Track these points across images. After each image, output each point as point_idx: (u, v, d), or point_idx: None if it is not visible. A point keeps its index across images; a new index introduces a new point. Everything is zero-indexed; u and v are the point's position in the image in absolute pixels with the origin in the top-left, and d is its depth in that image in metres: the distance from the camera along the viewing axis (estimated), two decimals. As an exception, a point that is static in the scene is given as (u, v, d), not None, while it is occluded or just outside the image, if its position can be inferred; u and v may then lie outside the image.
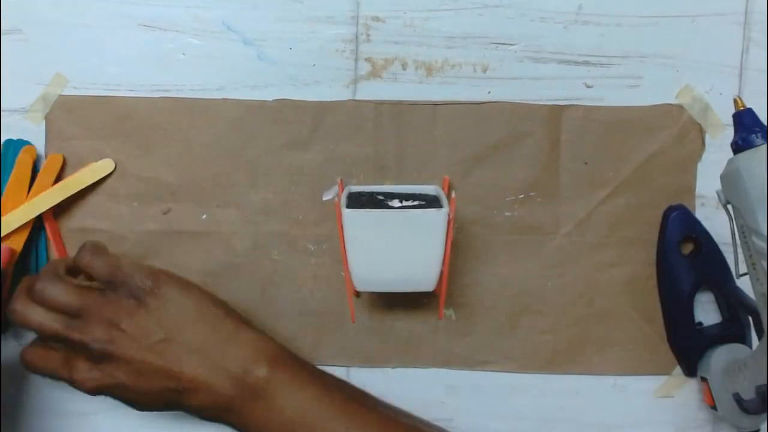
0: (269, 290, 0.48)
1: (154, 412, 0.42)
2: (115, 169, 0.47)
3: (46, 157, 0.47)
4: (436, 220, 0.40)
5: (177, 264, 0.48)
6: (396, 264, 0.41)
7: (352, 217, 0.40)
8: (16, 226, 0.46)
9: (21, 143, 0.47)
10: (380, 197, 0.44)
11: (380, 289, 0.43)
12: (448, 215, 0.40)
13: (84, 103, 0.47)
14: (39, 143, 0.47)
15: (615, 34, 0.48)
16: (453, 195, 0.43)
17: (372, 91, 0.48)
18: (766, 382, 0.40)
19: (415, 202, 0.42)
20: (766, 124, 0.37)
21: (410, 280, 0.42)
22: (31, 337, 0.46)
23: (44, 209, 0.46)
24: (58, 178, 0.47)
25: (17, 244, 0.46)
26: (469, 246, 0.48)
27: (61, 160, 0.47)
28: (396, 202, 0.42)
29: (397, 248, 0.40)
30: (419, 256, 0.41)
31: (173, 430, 0.49)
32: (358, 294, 0.46)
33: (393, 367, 0.49)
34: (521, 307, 0.49)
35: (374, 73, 0.48)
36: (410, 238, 0.40)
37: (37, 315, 0.40)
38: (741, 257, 0.39)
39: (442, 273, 0.42)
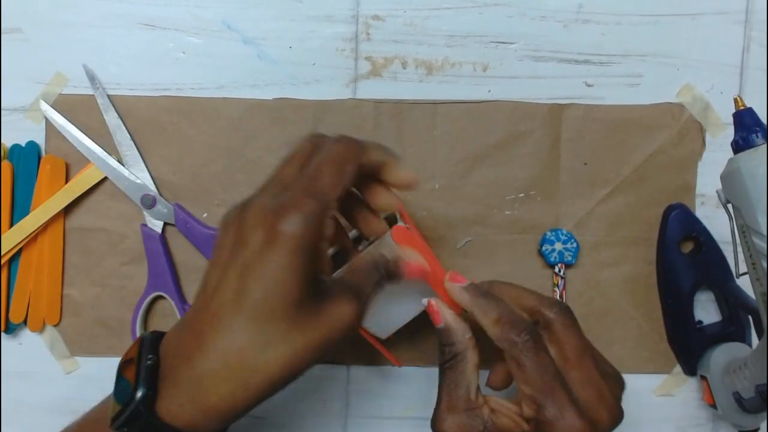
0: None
1: None
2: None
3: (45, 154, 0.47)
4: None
5: (177, 263, 0.48)
6: (394, 298, 0.40)
7: None
8: (32, 230, 0.46)
9: (30, 147, 0.47)
10: (351, 245, 0.42)
11: (397, 325, 0.42)
12: (407, 228, 0.39)
13: (84, 102, 0.47)
14: (39, 142, 0.47)
15: (615, 32, 0.48)
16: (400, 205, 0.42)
17: (372, 90, 0.48)
18: (766, 381, 0.40)
19: None
20: (766, 123, 0.37)
21: (413, 303, 0.41)
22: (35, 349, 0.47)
23: (56, 211, 0.47)
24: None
25: (40, 247, 0.47)
26: (469, 245, 0.48)
27: (63, 162, 0.47)
28: (364, 243, 0.41)
29: None
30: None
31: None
32: (388, 338, 0.45)
33: (393, 366, 0.49)
34: (521, 306, 0.49)
35: (374, 72, 0.48)
36: None
37: None
38: (741, 257, 0.39)
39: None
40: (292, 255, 0.30)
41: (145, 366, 0.31)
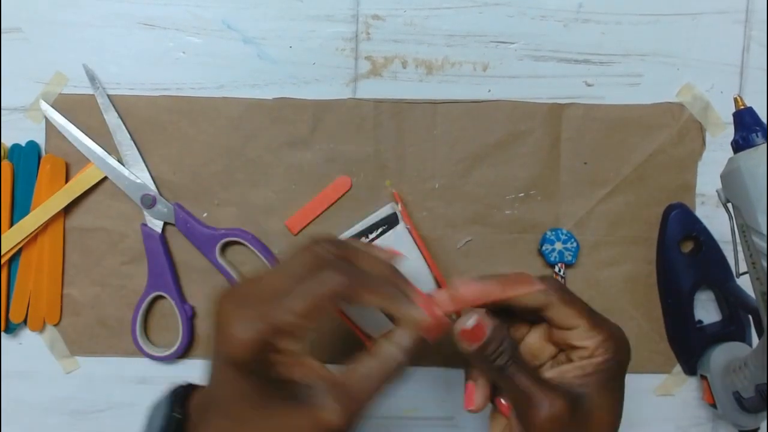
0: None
1: None
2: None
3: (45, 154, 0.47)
4: (398, 238, 0.40)
5: (177, 262, 0.48)
6: None
7: None
8: (32, 229, 0.46)
9: (30, 147, 0.47)
10: None
11: (390, 326, 0.42)
12: (407, 228, 0.40)
13: (84, 102, 0.47)
14: (39, 142, 0.47)
15: (615, 32, 0.48)
16: (399, 207, 0.43)
17: (372, 89, 0.48)
18: (766, 381, 0.40)
19: (379, 230, 0.42)
20: (766, 123, 0.37)
21: None
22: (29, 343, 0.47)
23: (56, 210, 0.47)
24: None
25: (40, 247, 0.47)
26: (469, 245, 0.48)
27: (63, 162, 0.47)
28: (363, 240, 0.42)
29: None
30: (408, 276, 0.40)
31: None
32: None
33: (393, 366, 0.49)
34: (521, 305, 0.49)
35: (374, 72, 0.48)
36: None
37: None
38: (741, 256, 0.39)
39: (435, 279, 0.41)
40: (227, 367, 0.30)
41: (174, 419, 0.32)
